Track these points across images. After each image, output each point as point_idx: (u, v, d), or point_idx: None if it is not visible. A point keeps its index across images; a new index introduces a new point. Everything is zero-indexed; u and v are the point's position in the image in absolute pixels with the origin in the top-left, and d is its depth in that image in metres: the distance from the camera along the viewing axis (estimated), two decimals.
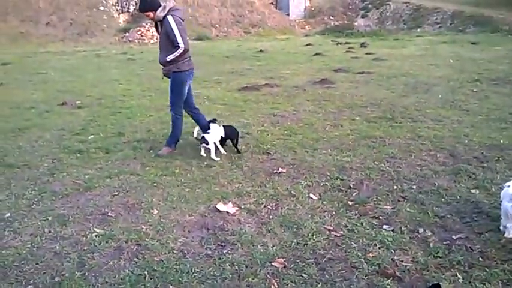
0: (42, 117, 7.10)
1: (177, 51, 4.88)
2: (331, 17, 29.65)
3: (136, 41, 22.17)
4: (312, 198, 3.89)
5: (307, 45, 19.29)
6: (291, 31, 27.60)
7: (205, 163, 4.85)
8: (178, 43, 4.85)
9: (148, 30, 22.87)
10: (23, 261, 2.98)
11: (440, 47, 16.39)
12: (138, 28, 23.23)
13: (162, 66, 5.14)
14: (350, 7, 29.99)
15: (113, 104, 7.97)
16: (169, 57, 4.91)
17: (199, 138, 5.07)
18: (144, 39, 22.34)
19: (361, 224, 3.39)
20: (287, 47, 18.76)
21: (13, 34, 20.85)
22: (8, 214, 3.68)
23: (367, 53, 15.18)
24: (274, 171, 4.54)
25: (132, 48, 19.56)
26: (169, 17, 4.81)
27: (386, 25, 26.70)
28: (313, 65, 12.92)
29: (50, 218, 3.59)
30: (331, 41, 21.43)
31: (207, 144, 4.95)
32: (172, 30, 4.80)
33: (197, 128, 5.31)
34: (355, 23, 28.11)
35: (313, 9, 30.69)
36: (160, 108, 7.69)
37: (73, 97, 8.58)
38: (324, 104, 7.66)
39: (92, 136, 5.96)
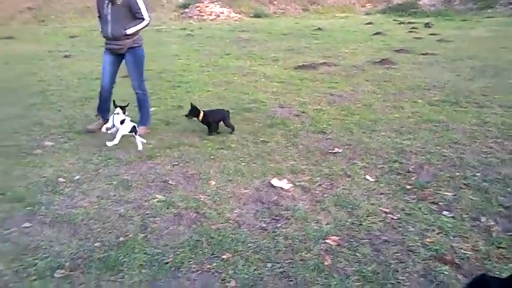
0: None
1: (142, 24, 4.78)
2: None
3: (195, 17, 22.45)
4: (368, 180, 3.83)
5: (367, 23, 18.66)
6: (351, 9, 26.74)
7: (261, 139, 4.91)
8: (142, 15, 4.76)
9: (207, 7, 23.09)
10: (91, 220, 3.19)
11: None
12: (197, 4, 23.49)
13: (113, 41, 4.84)
14: None
15: (173, 78, 8.19)
16: (131, 30, 4.75)
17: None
18: (203, 16, 22.57)
19: (419, 208, 3.31)
20: (346, 26, 18.25)
21: (80, 8, 21.80)
22: (78, 177, 3.94)
23: (431, 34, 14.47)
24: (330, 151, 4.52)
25: (191, 24, 19.86)
26: None
27: (454, 5, 25.13)
28: (374, 44, 12.51)
29: (115, 183, 3.81)
30: (393, 20, 20.57)
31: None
32: (136, 2, 4.71)
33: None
34: (420, 2, 26.66)
35: None
36: (218, 84, 7.82)
37: None
38: (384, 84, 7.44)
39: (153, 108, 6.16)
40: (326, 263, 2.64)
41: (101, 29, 4.97)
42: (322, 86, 7.47)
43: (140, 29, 4.84)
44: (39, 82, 7.95)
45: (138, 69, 5.07)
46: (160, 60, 10.29)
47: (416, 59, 9.96)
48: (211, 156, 4.43)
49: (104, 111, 5.26)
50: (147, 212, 3.32)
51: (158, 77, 8.41)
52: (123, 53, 4.94)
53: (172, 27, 17.72)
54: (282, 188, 3.68)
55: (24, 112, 6.00)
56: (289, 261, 2.68)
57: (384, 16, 23.33)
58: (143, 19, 4.79)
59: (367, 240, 2.90)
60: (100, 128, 4.97)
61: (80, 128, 5.30)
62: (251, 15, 23.38)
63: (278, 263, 2.65)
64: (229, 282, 2.48)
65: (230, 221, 3.17)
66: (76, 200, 3.52)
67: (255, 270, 2.59)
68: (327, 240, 2.89)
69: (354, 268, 2.61)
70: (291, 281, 2.50)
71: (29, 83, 7.83)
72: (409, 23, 18.52)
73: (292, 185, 3.74)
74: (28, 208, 3.36)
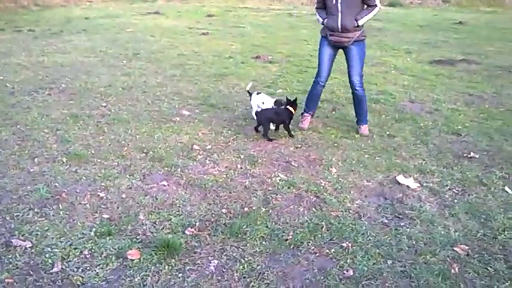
0: (238, 67, 7.79)
1: (374, 12, 4.28)
2: None
3: None
4: (507, 192, 3.48)
5: None
6: (500, 3, 23.94)
7: (387, 133, 4.74)
8: (375, 2, 4.26)
9: None
10: (219, 188, 3.43)
11: None
12: None
13: (342, 33, 4.31)
14: None
15: (300, 63, 8.26)
16: (363, 20, 4.25)
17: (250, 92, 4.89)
18: None
19: None
20: (493, 21, 16.44)
21: None
22: (209, 146, 4.24)
23: None
24: (464, 155, 4.19)
25: None
26: None
27: None
28: None
29: (242, 156, 4.02)
30: None
31: None
32: None
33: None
34: None
35: None
36: (344, 72, 7.59)
37: (266, 52, 9.16)
38: None
39: (280, 90, 6.32)
40: (452, 271, 2.49)
41: (323, 20, 4.45)
42: (459, 85, 6.90)
43: (370, 18, 4.31)
44: (179, 56, 8.62)
45: (361, 64, 4.56)
46: (290, 43, 10.43)
47: None
48: (334, 144, 4.41)
49: (313, 104, 4.94)
50: (270, 189, 3.45)
51: (287, 60, 8.55)
52: (347, 46, 4.44)
53: (303, 12, 17.75)
54: (408, 187, 3.53)
55: (166, 82, 6.59)
56: (412, 261, 2.58)
57: None
58: (375, 6, 4.29)
59: (501, 256, 2.66)
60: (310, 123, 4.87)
61: (213, 101, 5.66)
62: (385, 3, 22.32)
63: (399, 262, 2.58)
64: (347, 271, 2.49)
65: (350, 211, 3.16)
66: (207, 167, 3.80)
67: (374, 264, 2.55)
68: (455, 248, 2.72)
69: (483, 282, 2.42)
70: (413, 282, 2.41)
71: (171, 56, 8.55)
72: None
73: (419, 185, 3.57)
74: (166, 168, 3.73)
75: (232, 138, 4.45)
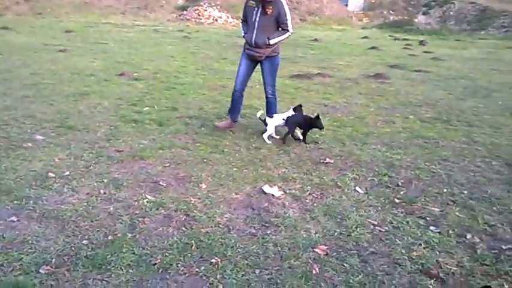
0: (101, 85, 7.40)
1: (285, 36, 4.96)
2: (391, 11, 28.77)
3: (193, 19, 22.49)
4: (357, 192, 3.87)
5: (363, 38, 18.90)
6: (348, 22, 27.04)
7: (254, 145, 4.93)
8: (288, 27, 4.91)
9: (206, 10, 23.14)
10: (79, 218, 3.17)
11: (505, 52, 15.57)
12: (196, 7, 23.55)
13: (255, 48, 5.01)
14: (412, 2, 28.98)
15: (167, 79, 8.19)
16: (275, 40, 4.91)
17: (263, 119, 5.20)
18: (201, 19, 22.62)
19: (407, 222, 3.35)
20: (343, 38, 18.46)
21: (77, 3, 21.70)
22: (68, 173, 3.91)
23: (425, 52, 14.70)
24: (321, 161, 4.55)
25: (189, 27, 19.88)
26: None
27: (449, 24, 25.59)
28: (368, 58, 12.67)
29: (105, 181, 3.79)
30: (389, 36, 20.87)
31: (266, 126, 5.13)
32: (286, 13, 4.85)
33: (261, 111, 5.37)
34: (416, 20, 27.13)
35: (373, 1, 29.90)
36: (213, 87, 7.83)
37: (131, 69, 8.88)
38: (377, 99, 7.53)
39: (147, 108, 6.17)
40: (314, 272, 2.66)
41: (244, 34, 5.13)
42: (316, 97, 7.53)
43: (282, 40, 4.97)
44: (33, 75, 7.88)
45: (273, 76, 5.28)
46: (156, 60, 10.29)
47: (409, 75, 10.10)
48: (204, 160, 4.43)
49: (234, 112, 5.46)
50: (137, 212, 3.30)
51: (153, 77, 8.40)
52: (261, 60, 5.10)
53: (169, 28, 17.72)
54: (272, 195, 3.70)
55: (16, 104, 5.94)
56: (278, 268, 2.69)
57: (380, 31, 23.66)
58: (287, 31, 4.93)
59: (355, 251, 2.93)
60: (228, 128, 5.37)
61: (72, 123, 5.26)
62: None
63: (266, 270, 2.66)
64: (217, 287, 2.48)
65: (220, 226, 3.18)
66: (65, 196, 3.49)
67: (243, 275, 2.59)
68: (315, 249, 2.91)
69: (341, 278, 2.63)
70: None
71: (22, 75, 7.77)
72: (404, 39, 18.82)
73: (282, 193, 3.76)
74: (15, 202, 3.33)
75: (94, 162, 4.18)
